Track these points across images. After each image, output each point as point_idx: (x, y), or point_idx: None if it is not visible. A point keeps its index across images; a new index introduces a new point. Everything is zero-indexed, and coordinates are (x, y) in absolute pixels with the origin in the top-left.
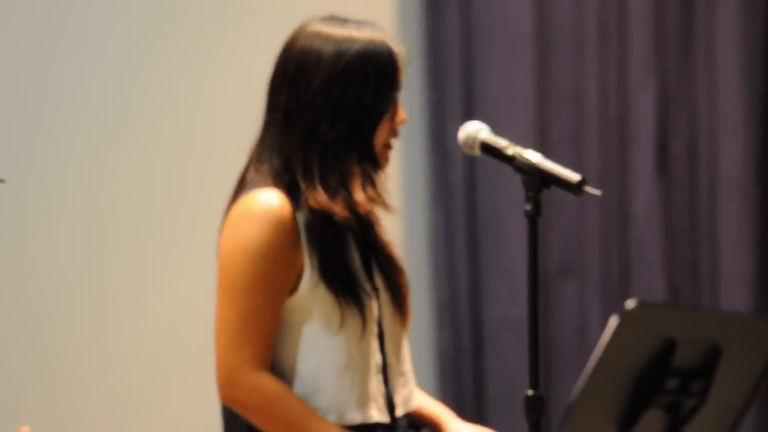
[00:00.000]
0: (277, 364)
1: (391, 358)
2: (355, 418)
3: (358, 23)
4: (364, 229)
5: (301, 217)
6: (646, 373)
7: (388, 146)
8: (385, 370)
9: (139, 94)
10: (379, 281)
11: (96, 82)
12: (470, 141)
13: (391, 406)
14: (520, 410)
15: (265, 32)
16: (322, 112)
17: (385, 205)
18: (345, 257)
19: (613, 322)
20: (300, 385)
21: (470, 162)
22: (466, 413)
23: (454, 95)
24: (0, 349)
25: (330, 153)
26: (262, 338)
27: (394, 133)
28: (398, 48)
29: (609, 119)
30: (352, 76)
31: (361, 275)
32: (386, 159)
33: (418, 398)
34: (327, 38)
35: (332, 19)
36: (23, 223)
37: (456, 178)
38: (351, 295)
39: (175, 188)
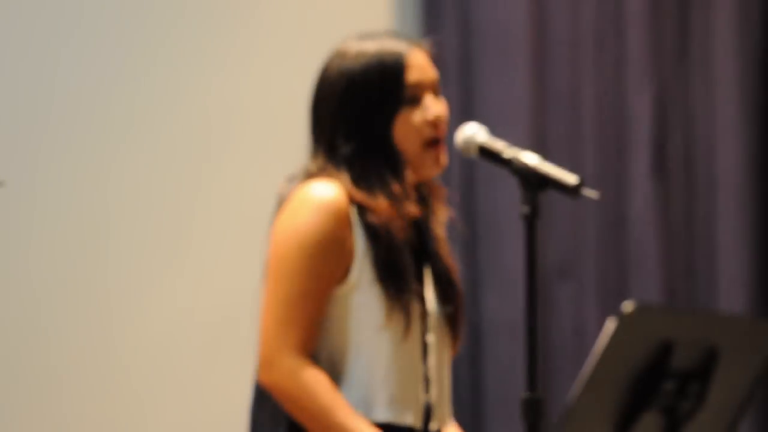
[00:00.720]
0: (316, 355)
1: (432, 373)
2: (383, 416)
3: (379, 36)
4: (422, 241)
5: (356, 210)
6: (644, 376)
7: (429, 144)
8: (426, 382)
9: (136, 97)
10: (429, 295)
11: (92, 85)
12: (468, 144)
13: (428, 417)
14: (518, 413)
15: (263, 35)
16: (334, 128)
17: (402, 209)
18: (398, 256)
19: (611, 324)
20: (335, 377)
21: (467, 164)
22: (463, 416)
23: (451, 98)
24: None
25: (351, 165)
26: (305, 324)
27: (429, 130)
28: (405, 48)
29: (606, 122)
30: (356, 89)
31: (413, 281)
32: (434, 157)
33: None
34: (339, 56)
35: (354, 36)
36: (18, 226)
37: (453, 181)
38: (398, 292)
39: (171, 192)
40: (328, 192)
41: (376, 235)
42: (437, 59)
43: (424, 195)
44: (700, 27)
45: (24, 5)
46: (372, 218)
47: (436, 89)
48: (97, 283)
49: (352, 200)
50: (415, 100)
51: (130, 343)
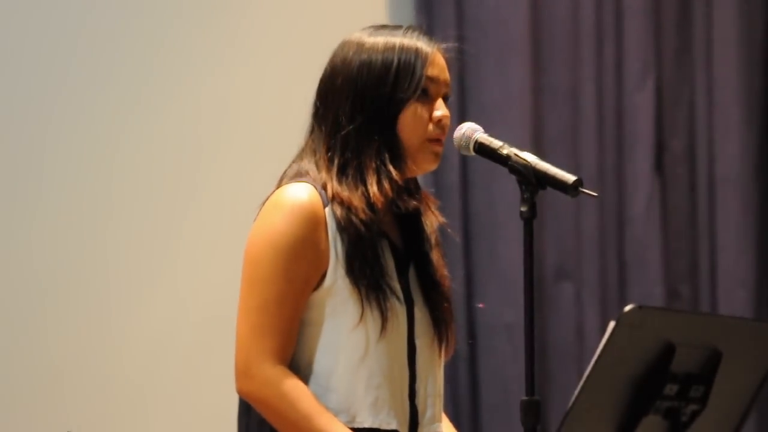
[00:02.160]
0: (295, 362)
1: (421, 376)
2: (367, 422)
3: (393, 28)
4: (409, 242)
5: (330, 212)
6: (645, 379)
7: (431, 142)
8: (412, 386)
9: (134, 93)
10: (417, 297)
11: (91, 80)
12: (465, 141)
13: (414, 422)
14: (516, 415)
15: (257, 32)
16: (341, 108)
17: (402, 201)
18: (373, 252)
19: (612, 326)
20: (314, 383)
21: (465, 163)
22: (461, 418)
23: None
24: None
25: (349, 146)
26: (281, 331)
27: (434, 126)
28: (428, 45)
29: (606, 119)
30: (370, 70)
31: (391, 278)
32: (433, 152)
33: None
34: (357, 45)
35: (369, 27)
36: (15, 225)
37: (450, 180)
38: (372, 289)
39: (169, 188)
40: (301, 195)
41: (346, 230)
42: (451, 66)
43: (415, 195)
44: (702, 23)
45: (20, 3)
46: (343, 212)
47: (447, 94)
48: (93, 280)
49: (334, 198)
50: (426, 95)
51: (127, 340)
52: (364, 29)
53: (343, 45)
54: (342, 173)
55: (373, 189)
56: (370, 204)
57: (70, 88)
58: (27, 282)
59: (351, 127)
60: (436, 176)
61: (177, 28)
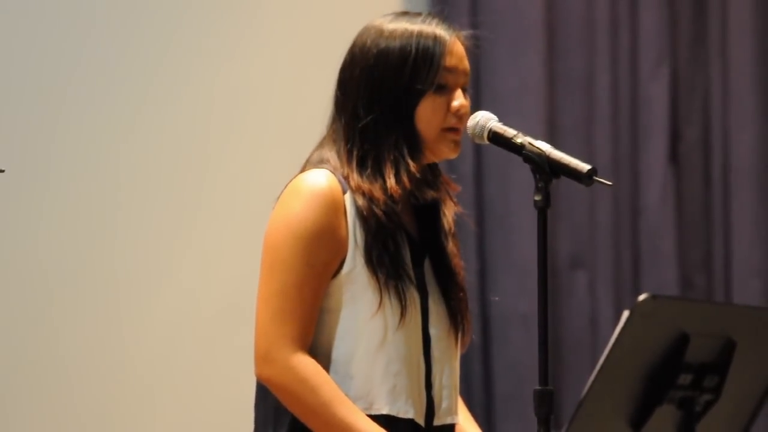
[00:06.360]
0: (313, 349)
1: (437, 367)
2: (384, 409)
3: (413, 15)
4: (425, 232)
5: (350, 199)
6: (659, 369)
7: (449, 131)
8: (429, 377)
9: (143, 87)
10: (432, 288)
11: (100, 74)
12: (479, 130)
13: (430, 413)
14: (530, 405)
15: (270, 22)
16: (360, 98)
17: (420, 192)
18: (393, 242)
19: (625, 316)
20: (333, 370)
21: (479, 152)
22: (474, 409)
23: None
24: (0, 345)
25: (368, 138)
26: (301, 317)
27: (452, 116)
28: (447, 34)
29: (620, 108)
30: (388, 59)
31: (408, 267)
32: (452, 140)
33: (466, 425)
34: (376, 31)
35: (390, 14)
36: (25, 217)
37: (464, 169)
38: (391, 278)
39: (178, 183)
40: (321, 180)
41: (367, 220)
42: (470, 54)
43: (434, 184)
44: (717, 11)
45: None
46: (364, 202)
47: (466, 83)
48: (102, 276)
49: (354, 188)
50: (445, 87)
51: (136, 337)
52: (385, 15)
53: (364, 31)
54: (361, 165)
55: (391, 182)
56: (390, 196)
57: (80, 83)
58: (36, 279)
59: (369, 118)
60: (450, 165)
61: (189, 18)
